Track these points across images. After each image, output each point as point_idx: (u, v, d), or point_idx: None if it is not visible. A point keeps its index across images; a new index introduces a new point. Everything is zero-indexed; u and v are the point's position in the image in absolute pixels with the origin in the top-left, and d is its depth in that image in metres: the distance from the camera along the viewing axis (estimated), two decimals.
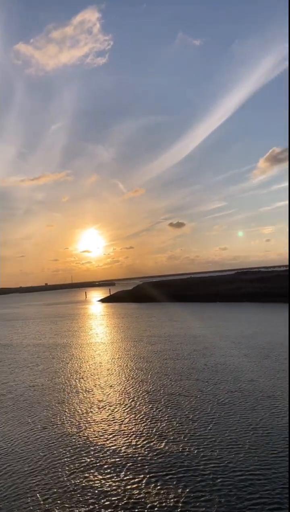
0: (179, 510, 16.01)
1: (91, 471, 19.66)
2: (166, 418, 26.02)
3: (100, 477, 19.04)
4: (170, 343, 54.51)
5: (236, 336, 55.47)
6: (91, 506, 16.53)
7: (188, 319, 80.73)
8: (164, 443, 22.17)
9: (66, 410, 28.93)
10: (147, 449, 21.54)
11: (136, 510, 16.14)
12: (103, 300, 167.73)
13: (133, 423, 25.52)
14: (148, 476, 18.79)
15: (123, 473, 19.29)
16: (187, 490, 17.33)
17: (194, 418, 25.76)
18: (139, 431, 24.10)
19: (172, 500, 16.66)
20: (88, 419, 26.82)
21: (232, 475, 18.25)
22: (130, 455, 21.01)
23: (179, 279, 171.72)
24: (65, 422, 26.49)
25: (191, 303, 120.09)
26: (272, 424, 23.87)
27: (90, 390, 33.39)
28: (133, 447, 21.92)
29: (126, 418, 26.59)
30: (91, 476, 19.12)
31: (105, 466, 20.05)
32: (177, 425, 24.80)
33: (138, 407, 28.52)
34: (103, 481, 18.60)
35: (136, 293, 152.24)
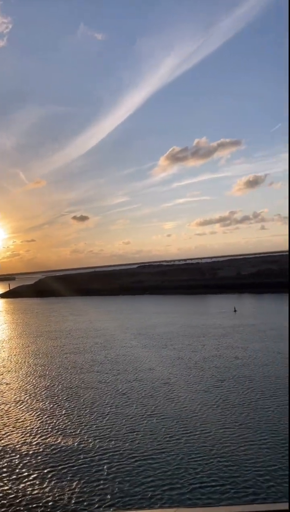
0: (73, 502, 15.86)
1: None
2: (64, 412, 25.62)
3: None
4: (71, 337, 53.85)
5: (136, 328, 56.80)
6: None
7: (91, 313, 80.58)
8: (60, 438, 21.81)
9: None
10: (42, 445, 20.99)
11: (31, 506, 15.64)
12: (2, 296, 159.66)
13: (29, 420, 24.69)
14: (43, 472, 18.31)
15: (17, 471, 18.54)
16: (82, 482, 17.25)
17: (92, 410, 25.76)
18: (36, 428, 23.39)
19: (66, 493, 16.45)
20: None
21: (128, 462, 18.61)
22: (25, 453, 20.26)
23: (83, 273, 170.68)
24: None
25: (95, 296, 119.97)
26: (167, 409, 24.89)
27: None
28: (29, 445, 21.19)
29: (22, 416, 25.61)
30: None
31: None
32: (75, 418, 24.57)
33: (35, 404, 27.67)
34: None
35: (38, 287, 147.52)
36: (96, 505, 15.42)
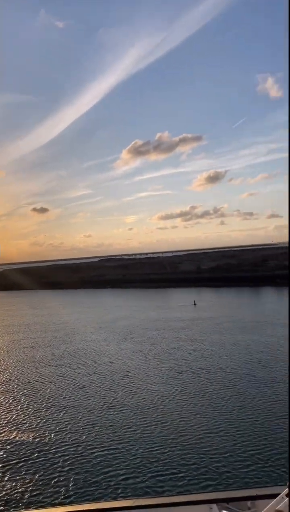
0: (26, 496, 15.73)
1: None
2: (20, 407, 25.25)
3: None
4: (30, 331, 52.94)
5: (97, 322, 56.65)
6: None
7: (51, 307, 79.44)
8: (16, 433, 21.50)
9: None
10: None
11: None
12: None
13: None
14: None
15: None
16: (38, 476, 17.13)
17: (50, 404, 25.53)
18: None
19: (20, 488, 16.28)
20: None
21: (86, 454, 18.64)
22: None
23: (43, 266, 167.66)
24: None
25: (56, 290, 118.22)
26: (126, 401, 25.10)
27: None
28: None
29: None
30: None
31: None
32: (32, 412, 24.27)
33: None
34: None
35: None
36: (51, 499, 15.37)
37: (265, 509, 7.46)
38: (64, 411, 24.10)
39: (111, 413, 23.35)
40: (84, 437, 20.43)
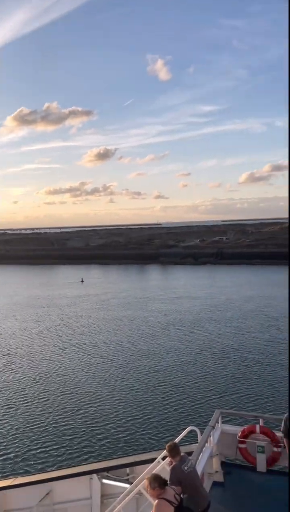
0: None
1: None
2: None
3: None
4: None
5: None
6: None
7: None
8: None
9: None
10: None
11: None
12: None
13: None
14: None
15: None
16: None
17: None
18: None
19: None
20: None
21: None
22: None
23: None
24: None
25: None
26: (5, 381, 23.93)
27: None
28: None
29: None
30: None
31: None
32: None
33: None
34: None
35: None
36: None
37: (142, 474, 7.69)
38: None
39: None
40: None
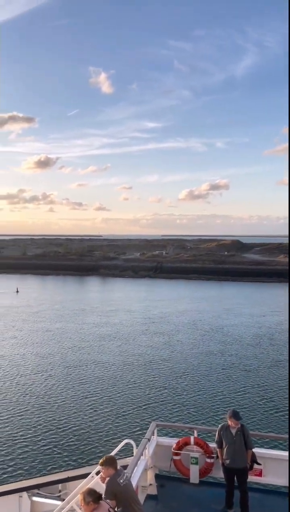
0: None
1: None
2: None
3: None
4: None
5: None
6: None
7: None
8: None
9: None
10: None
11: None
12: None
13: None
14: None
15: None
16: None
17: None
18: None
19: None
20: None
21: None
22: None
23: None
24: None
25: None
26: None
27: None
28: None
29: None
30: None
31: None
32: None
33: None
34: None
35: None
36: None
37: (76, 489, 7.46)
38: None
39: None
40: None
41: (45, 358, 29.53)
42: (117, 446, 8.15)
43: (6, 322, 42.04)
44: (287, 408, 20.10)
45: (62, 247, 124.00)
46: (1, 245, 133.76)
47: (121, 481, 5.66)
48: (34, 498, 8.48)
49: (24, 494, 8.52)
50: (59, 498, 8.44)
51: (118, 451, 8.02)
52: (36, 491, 8.71)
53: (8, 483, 11.45)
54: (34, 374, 25.92)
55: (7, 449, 16.60)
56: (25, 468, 15.24)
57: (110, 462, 5.84)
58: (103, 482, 5.91)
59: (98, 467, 6.53)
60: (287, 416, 19.02)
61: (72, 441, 17.31)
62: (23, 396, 22.22)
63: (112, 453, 6.94)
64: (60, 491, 8.70)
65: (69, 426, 18.65)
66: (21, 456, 16.08)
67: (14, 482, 12.38)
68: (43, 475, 11.11)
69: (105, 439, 17.43)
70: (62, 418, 19.54)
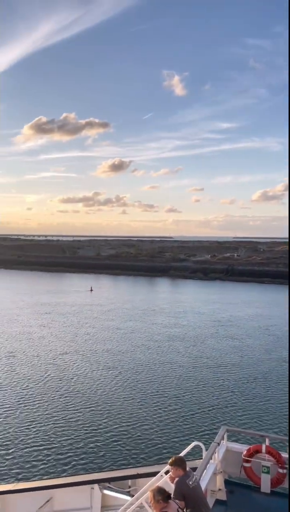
0: None
1: None
2: None
3: None
4: None
5: None
6: None
7: None
8: None
9: None
10: None
11: None
12: None
13: None
14: None
15: None
16: None
17: None
18: None
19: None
20: None
21: None
22: None
23: None
24: None
25: None
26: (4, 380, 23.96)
27: None
28: None
29: None
30: None
31: None
32: None
33: None
34: None
35: None
36: None
37: (145, 486, 7.60)
38: None
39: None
40: None
41: (115, 355, 30.35)
42: (186, 447, 8.15)
43: (80, 319, 43.87)
44: None
45: (134, 248, 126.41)
46: (77, 245, 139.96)
47: (190, 482, 5.68)
48: (105, 491, 8.77)
49: (96, 486, 8.84)
50: (128, 493, 8.64)
51: (187, 452, 8.02)
52: (106, 484, 8.99)
53: (81, 474, 11.98)
54: (105, 370, 26.77)
55: (83, 441, 17.33)
56: (96, 461, 15.81)
57: (179, 463, 5.88)
58: (172, 482, 5.97)
59: (167, 467, 6.59)
60: None
61: (141, 438, 17.61)
62: (94, 391, 23.03)
63: (181, 454, 6.96)
64: (129, 487, 8.90)
65: (139, 424, 18.99)
66: (94, 449, 16.71)
67: (87, 473, 12.91)
68: (114, 470, 11.45)
69: (173, 439, 17.50)
70: (132, 415, 19.95)
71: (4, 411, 20.41)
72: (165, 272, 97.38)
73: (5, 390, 23.19)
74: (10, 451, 16.57)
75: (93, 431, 18.29)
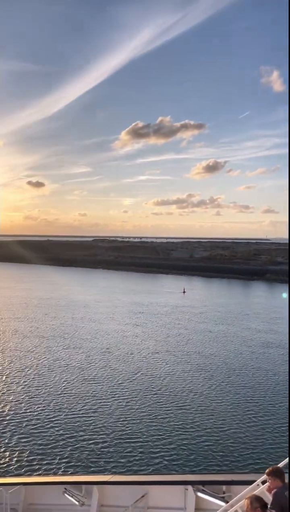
0: None
1: None
2: None
3: None
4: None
5: (79, 301, 56.77)
6: None
7: (34, 281, 79.32)
8: None
9: None
10: None
11: None
12: None
13: None
14: None
15: None
16: None
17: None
18: None
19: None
20: None
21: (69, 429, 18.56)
22: None
23: (37, 241, 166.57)
24: None
25: (50, 266, 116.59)
26: (115, 373, 25.13)
27: None
28: None
29: None
30: None
31: None
32: None
33: None
34: None
35: None
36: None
37: (240, 494, 7.44)
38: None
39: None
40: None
41: (206, 357, 30.08)
42: (284, 459, 7.80)
43: (171, 320, 44.32)
44: None
45: (228, 250, 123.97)
46: (171, 247, 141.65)
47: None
48: (199, 494, 8.73)
49: (190, 487, 8.84)
50: (223, 499, 8.51)
51: (285, 464, 7.68)
52: (201, 487, 8.95)
53: (175, 474, 12.11)
54: (195, 371, 26.69)
55: (178, 441, 17.47)
56: (190, 463, 15.84)
57: (278, 474, 5.66)
58: (269, 492, 5.77)
59: (264, 476, 6.39)
60: None
61: (237, 445, 17.19)
62: (185, 392, 23.05)
63: (280, 465, 6.69)
64: (224, 492, 8.76)
65: (233, 429, 18.57)
66: (188, 450, 16.75)
67: (181, 474, 12.99)
68: (208, 473, 11.37)
69: (271, 449, 16.81)
70: (225, 420, 19.56)
71: (100, 405, 21.41)
72: (261, 275, 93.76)
73: (100, 383, 24.32)
74: (106, 444, 17.33)
75: (186, 432, 18.32)
